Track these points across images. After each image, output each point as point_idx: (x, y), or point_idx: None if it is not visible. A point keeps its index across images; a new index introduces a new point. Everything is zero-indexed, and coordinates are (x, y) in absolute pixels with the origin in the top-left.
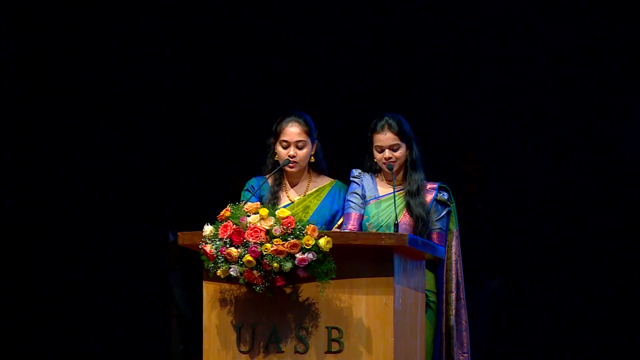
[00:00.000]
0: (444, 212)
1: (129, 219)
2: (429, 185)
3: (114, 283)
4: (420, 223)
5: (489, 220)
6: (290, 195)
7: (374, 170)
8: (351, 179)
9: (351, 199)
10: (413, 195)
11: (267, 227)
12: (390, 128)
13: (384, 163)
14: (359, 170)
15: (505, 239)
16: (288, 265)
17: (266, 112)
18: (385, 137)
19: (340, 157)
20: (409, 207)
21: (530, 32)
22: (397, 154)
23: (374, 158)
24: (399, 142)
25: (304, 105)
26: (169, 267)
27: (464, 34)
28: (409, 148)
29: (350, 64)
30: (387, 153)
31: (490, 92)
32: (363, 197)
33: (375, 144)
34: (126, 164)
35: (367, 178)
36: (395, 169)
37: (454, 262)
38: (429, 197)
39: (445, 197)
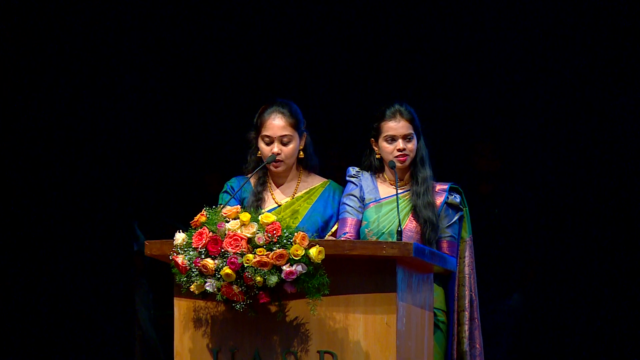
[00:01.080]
0: (456, 218)
1: (86, 225)
2: (438, 186)
3: (67, 300)
4: (429, 228)
5: (507, 226)
6: (276, 198)
7: (374, 168)
8: (347, 178)
9: (347, 202)
10: (420, 196)
11: (249, 235)
12: (403, 115)
13: (396, 157)
14: (357, 169)
15: (526, 248)
16: (273, 279)
17: (246, 100)
18: (398, 125)
19: (335, 152)
20: (415, 211)
21: (559, 17)
22: (410, 145)
23: (374, 153)
24: (412, 132)
25: (291, 91)
26: (133, 282)
27: (477, 15)
28: (417, 140)
29: (346, 47)
30: (401, 143)
31: (508, 73)
32: (361, 199)
33: (385, 133)
34: (83, 159)
35: (366, 177)
36: (407, 163)
37: (467, 275)
38: (439, 200)
39: (458, 200)
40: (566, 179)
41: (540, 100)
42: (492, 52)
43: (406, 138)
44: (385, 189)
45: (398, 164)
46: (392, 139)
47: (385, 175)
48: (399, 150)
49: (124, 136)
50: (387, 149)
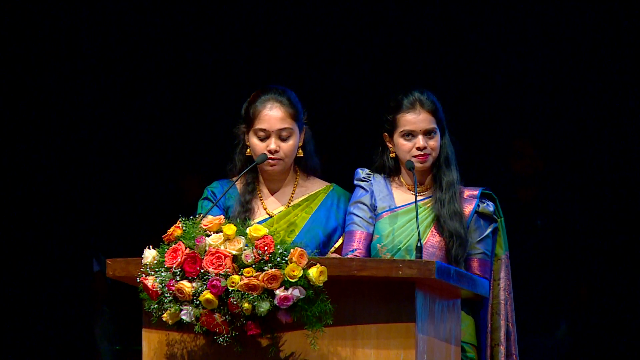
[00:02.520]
0: (489, 230)
1: (36, 239)
2: (467, 192)
3: (15, 333)
4: (456, 243)
5: (551, 241)
6: (267, 207)
7: (388, 169)
8: (355, 182)
9: (355, 211)
10: (445, 204)
11: (234, 252)
12: (423, 105)
13: (415, 156)
14: (367, 170)
15: (575, 268)
16: (264, 307)
17: (231, 88)
18: (418, 118)
19: (341, 151)
20: (438, 222)
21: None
22: (432, 142)
23: (388, 151)
24: (435, 127)
25: (284, 75)
26: (92, 310)
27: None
28: (442, 136)
29: (356, 23)
30: (421, 140)
31: (552, 58)
32: (372, 208)
33: (401, 128)
34: (37, 161)
35: (378, 181)
36: (428, 164)
37: (502, 301)
38: (468, 209)
39: (491, 209)
40: (624, 185)
41: (592, 89)
42: (532, 33)
43: (428, 134)
44: (402, 195)
45: (418, 165)
46: (411, 134)
47: (401, 179)
48: (418, 148)
49: (80, 132)
50: (404, 147)
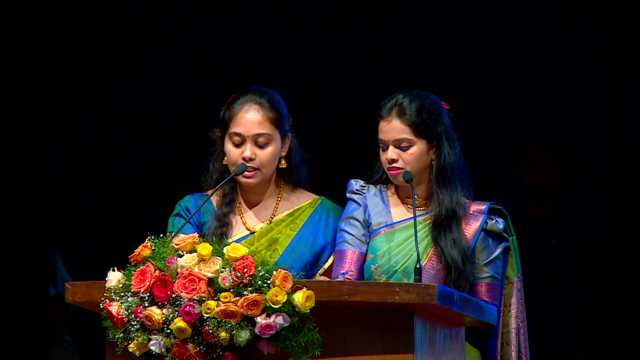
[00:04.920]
0: (499, 251)
1: None
2: (473, 207)
3: None
4: (454, 274)
5: (568, 263)
6: (247, 222)
7: (385, 182)
8: (348, 195)
9: (347, 228)
10: (440, 228)
11: (210, 275)
12: (400, 113)
13: (388, 169)
14: (362, 182)
15: (594, 293)
16: (244, 336)
17: (209, 91)
18: (388, 127)
19: (331, 162)
20: (437, 246)
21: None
22: (406, 154)
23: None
24: (410, 137)
25: (272, 79)
26: (49, 339)
27: None
28: (435, 147)
29: (352, 20)
30: (390, 152)
31: (566, 58)
32: (366, 224)
33: (378, 136)
34: None
35: (373, 194)
36: (400, 179)
37: (513, 330)
38: (473, 227)
39: (501, 226)
40: None
41: (613, 92)
42: (544, 27)
43: (398, 145)
44: (400, 210)
45: (397, 181)
46: (384, 145)
47: (400, 192)
48: (388, 160)
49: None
50: (381, 158)
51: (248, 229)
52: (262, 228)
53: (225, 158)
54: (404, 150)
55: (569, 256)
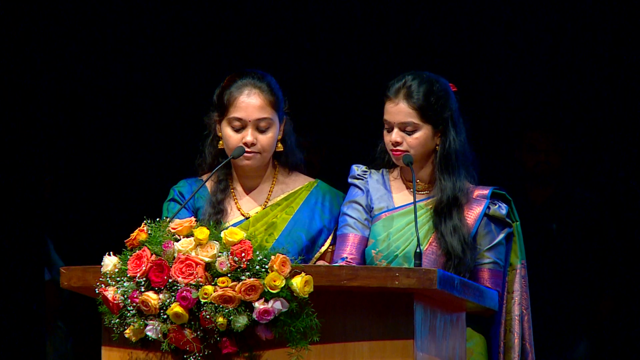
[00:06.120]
0: (502, 236)
1: None
2: (476, 192)
3: None
4: (454, 262)
5: (568, 249)
6: (242, 207)
7: (387, 165)
8: (350, 180)
9: (349, 212)
10: (442, 214)
11: (207, 259)
12: (407, 96)
13: (391, 150)
14: (363, 167)
15: (596, 280)
16: (242, 321)
17: (200, 73)
18: (394, 109)
19: (328, 147)
20: (438, 232)
21: None
22: (411, 138)
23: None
24: (416, 121)
25: (270, 65)
26: (44, 325)
27: None
28: (441, 132)
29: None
30: (394, 135)
31: (569, 40)
32: (368, 209)
33: (384, 116)
34: None
35: (375, 179)
36: (403, 162)
37: (516, 317)
38: (476, 212)
39: (504, 212)
40: None
41: (616, 73)
42: (546, 14)
43: (404, 128)
44: (403, 196)
45: (399, 163)
46: (389, 126)
47: (403, 175)
48: (392, 143)
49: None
50: (385, 139)
51: (243, 215)
52: (257, 213)
53: (221, 142)
54: (409, 134)
55: (569, 241)
